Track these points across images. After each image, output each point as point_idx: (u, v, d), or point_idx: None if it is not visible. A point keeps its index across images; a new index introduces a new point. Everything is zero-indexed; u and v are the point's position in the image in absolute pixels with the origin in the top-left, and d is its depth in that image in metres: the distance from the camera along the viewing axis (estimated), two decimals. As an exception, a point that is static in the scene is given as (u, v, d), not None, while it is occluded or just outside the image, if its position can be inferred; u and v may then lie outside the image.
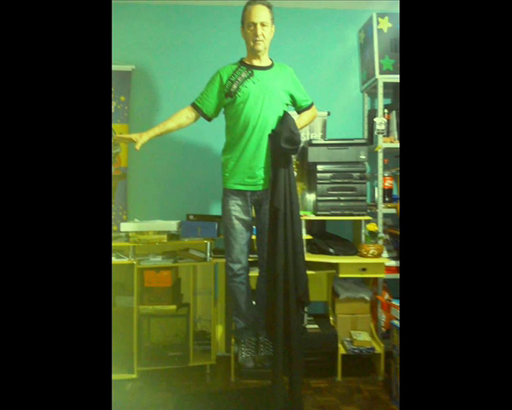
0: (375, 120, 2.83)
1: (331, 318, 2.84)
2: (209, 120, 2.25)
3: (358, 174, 2.61)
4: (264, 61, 2.18)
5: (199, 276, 2.94)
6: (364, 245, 2.54)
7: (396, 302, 2.39)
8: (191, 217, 2.72)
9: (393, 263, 2.79)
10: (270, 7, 2.10)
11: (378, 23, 2.83)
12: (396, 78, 2.80)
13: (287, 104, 2.21)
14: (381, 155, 2.81)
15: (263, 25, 2.08)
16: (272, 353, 2.09)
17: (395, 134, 2.84)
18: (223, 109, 2.23)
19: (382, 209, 2.80)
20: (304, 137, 2.85)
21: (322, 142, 2.68)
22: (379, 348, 2.58)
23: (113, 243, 2.51)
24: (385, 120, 2.82)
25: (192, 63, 3.08)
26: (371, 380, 2.58)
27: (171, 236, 2.64)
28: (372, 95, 3.11)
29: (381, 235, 2.74)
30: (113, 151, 2.93)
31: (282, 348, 2.00)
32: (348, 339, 2.67)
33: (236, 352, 2.40)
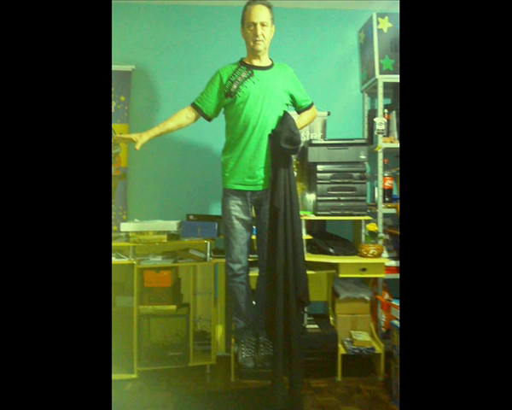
0: (375, 120, 2.83)
1: (331, 318, 2.84)
2: (209, 120, 2.25)
3: (358, 174, 2.61)
4: (264, 61, 2.18)
5: (199, 276, 2.94)
6: (364, 245, 2.54)
7: (396, 302, 2.39)
8: (191, 217, 2.71)
9: (393, 263, 2.79)
10: (270, 7, 2.10)
11: (378, 23, 2.83)
12: (396, 78, 2.80)
13: (287, 104, 2.21)
14: (381, 155, 2.81)
15: (263, 25, 2.08)
16: (272, 353, 2.09)
17: (395, 134, 2.84)
18: (223, 109, 2.23)
19: (382, 209, 2.80)
20: (304, 137, 2.85)
21: (322, 142, 2.68)
22: (379, 348, 2.58)
23: (113, 243, 2.51)
24: (385, 120, 2.82)
25: (192, 63, 3.08)
26: (371, 380, 2.58)
27: (171, 236, 2.64)
28: (372, 95, 3.11)
29: (381, 235, 2.74)
30: (113, 151, 2.93)
31: (282, 348, 2.00)
32: (348, 339, 2.67)
33: (236, 352, 2.40)
